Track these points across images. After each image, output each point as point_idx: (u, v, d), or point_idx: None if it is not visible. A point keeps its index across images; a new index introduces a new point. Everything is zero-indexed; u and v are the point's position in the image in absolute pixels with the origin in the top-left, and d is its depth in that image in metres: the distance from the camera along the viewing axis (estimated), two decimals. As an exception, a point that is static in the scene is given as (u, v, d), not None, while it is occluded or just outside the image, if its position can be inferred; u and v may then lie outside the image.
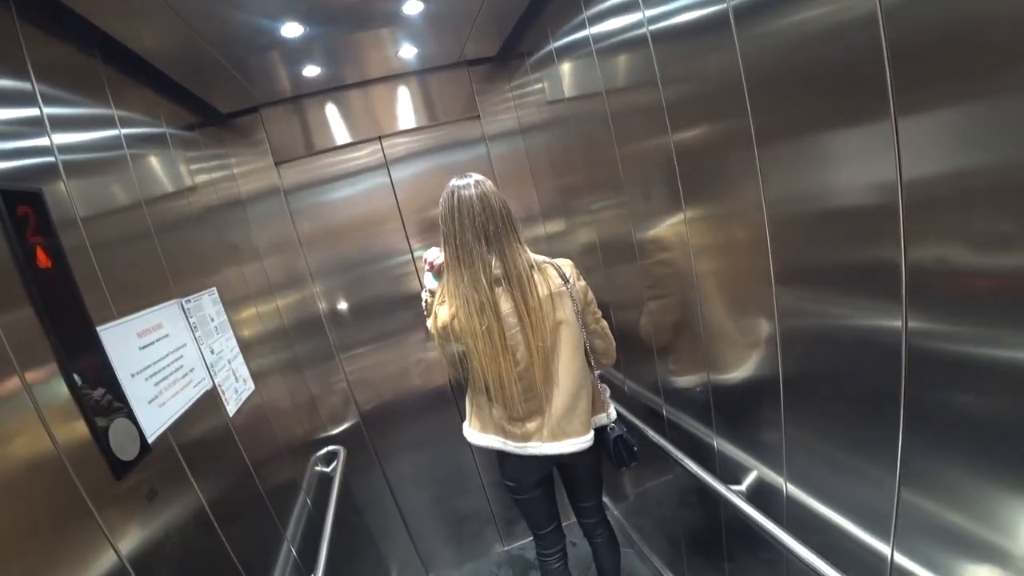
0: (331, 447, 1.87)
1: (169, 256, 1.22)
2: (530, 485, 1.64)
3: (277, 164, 1.87)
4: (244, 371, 1.44)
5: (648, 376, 1.87)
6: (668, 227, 1.46)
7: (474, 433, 1.58)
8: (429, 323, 1.50)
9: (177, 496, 1.00)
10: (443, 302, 1.45)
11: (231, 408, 1.29)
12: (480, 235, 1.36)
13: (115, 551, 0.78)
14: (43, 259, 0.84)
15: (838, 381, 1.07)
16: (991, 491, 0.82)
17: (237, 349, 1.44)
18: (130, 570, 0.79)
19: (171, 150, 1.41)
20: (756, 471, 1.41)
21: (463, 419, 1.63)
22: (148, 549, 0.86)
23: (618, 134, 1.54)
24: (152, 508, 0.91)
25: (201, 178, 1.56)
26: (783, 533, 1.25)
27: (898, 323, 0.85)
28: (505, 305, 1.40)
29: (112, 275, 0.98)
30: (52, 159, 0.92)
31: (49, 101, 0.95)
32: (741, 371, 1.37)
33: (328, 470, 1.78)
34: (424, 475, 2.27)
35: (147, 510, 0.90)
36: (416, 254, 2.06)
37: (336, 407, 2.03)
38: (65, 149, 0.95)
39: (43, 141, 0.91)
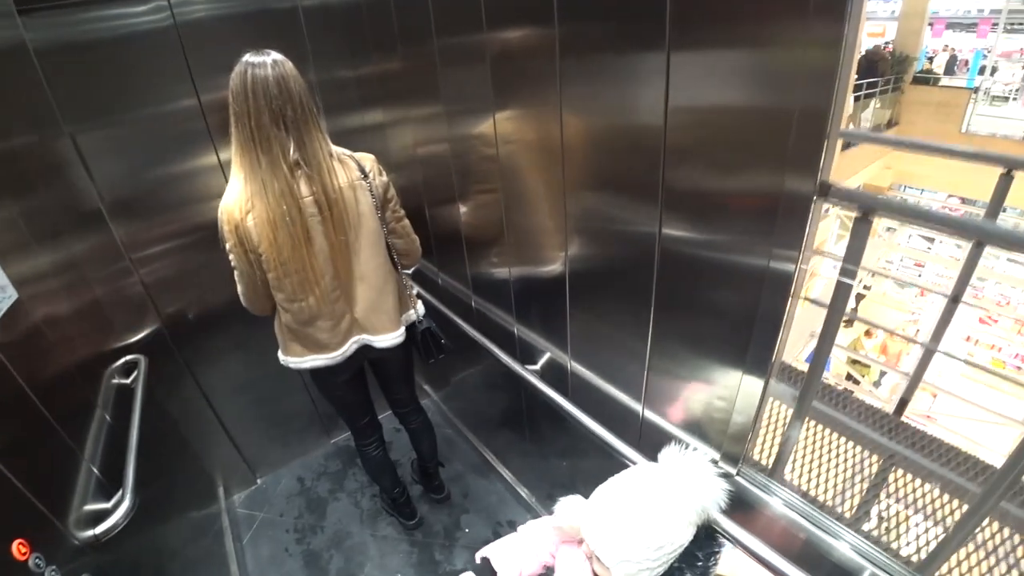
0: (129, 357, 1.68)
1: None
2: (342, 382, 1.69)
3: (20, 13, 1.42)
4: (1, 277, 1.19)
5: (460, 270, 2.00)
6: (480, 126, 1.51)
7: (292, 359, 1.56)
8: (221, 221, 1.34)
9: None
10: (235, 192, 1.31)
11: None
12: (277, 119, 1.25)
13: None
14: None
15: (610, 276, 1.30)
16: (703, 361, 1.12)
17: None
18: None
19: None
20: (548, 352, 1.66)
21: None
22: None
23: (437, 25, 1.50)
24: None
25: None
26: (568, 403, 1.54)
27: (654, 229, 1.05)
28: (305, 192, 1.33)
29: None
30: None
31: None
32: (537, 265, 1.56)
33: (128, 382, 1.62)
34: (242, 379, 2.18)
35: None
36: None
37: (131, 313, 1.80)
38: None
39: None
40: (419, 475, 2.32)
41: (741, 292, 0.95)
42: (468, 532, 2.18)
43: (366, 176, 1.44)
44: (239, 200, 1.31)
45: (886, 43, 9.23)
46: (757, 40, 0.77)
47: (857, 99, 6.93)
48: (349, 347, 1.56)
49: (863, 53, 7.48)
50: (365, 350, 1.61)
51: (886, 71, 7.71)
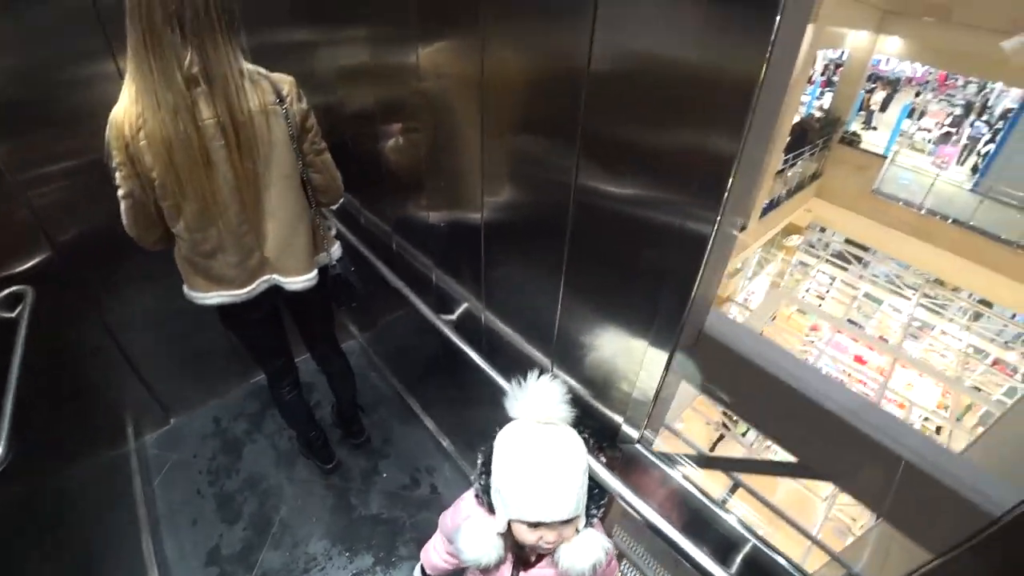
0: (13, 288, 1.54)
1: None
2: (252, 321, 1.61)
3: None
4: None
5: (382, 210, 1.93)
6: (405, 55, 1.41)
7: (196, 293, 1.46)
8: (108, 136, 1.20)
9: None
10: (125, 104, 1.17)
11: None
12: (171, 19, 1.09)
13: None
14: None
15: (525, 226, 1.28)
16: (610, 324, 1.12)
17: None
18: None
19: None
20: (465, 303, 1.65)
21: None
22: None
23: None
24: None
25: None
26: (478, 357, 1.54)
27: (570, 178, 1.02)
28: (206, 111, 1.20)
29: None
30: None
31: None
32: (458, 210, 1.51)
33: (12, 315, 1.49)
34: (152, 313, 2.04)
35: None
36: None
37: (16, 240, 1.64)
38: None
39: None
40: (338, 419, 2.30)
41: (654, 254, 0.93)
42: (386, 477, 2.21)
43: (282, 101, 1.30)
44: (130, 113, 1.16)
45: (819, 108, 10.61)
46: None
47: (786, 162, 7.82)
48: (258, 285, 1.47)
49: (796, 120, 8.46)
50: (276, 291, 1.52)
51: (814, 138, 8.57)
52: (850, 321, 8.56)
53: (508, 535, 1.03)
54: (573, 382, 1.31)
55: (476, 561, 1.04)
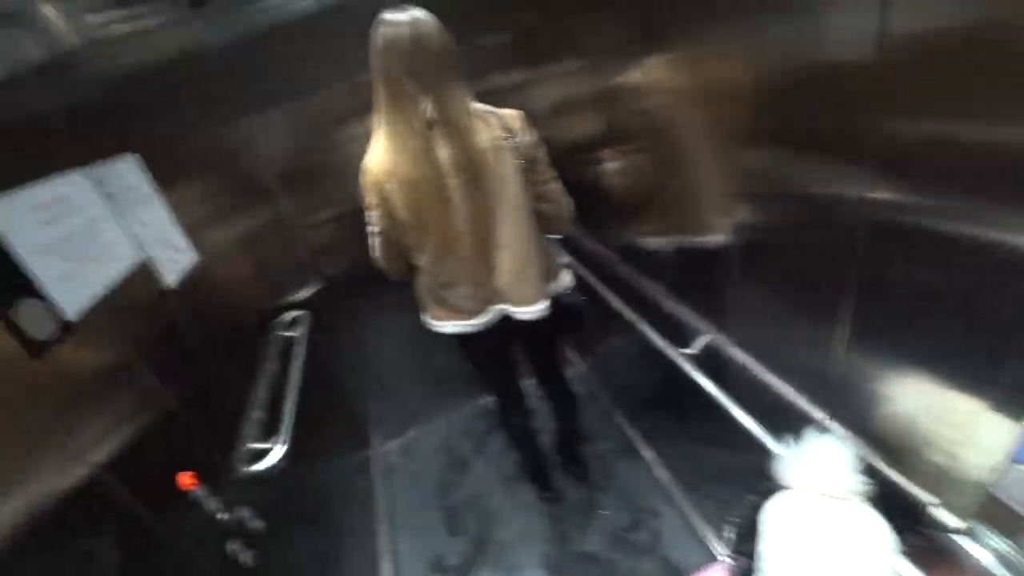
0: (296, 312, 1.88)
1: (77, 124, 1.10)
2: (484, 349, 1.66)
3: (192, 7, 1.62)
4: (181, 241, 1.38)
5: (606, 236, 1.84)
6: (627, 76, 1.33)
7: (434, 322, 1.57)
8: (363, 183, 1.36)
9: (124, 367, 1.00)
10: (375, 152, 1.32)
11: (171, 280, 1.26)
12: (411, 76, 1.21)
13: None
14: None
15: (790, 251, 1.04)
16: (924, 373, 0.82)
17: (172, 219, 1.37)
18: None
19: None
20: (705, 334, 1.44)
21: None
22: (93, 432, 0.88)
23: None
24: (91, 388, 0.92)
25: (106, 32, 1.37)
26: (722, 393, 1.31)
27: (859, 192, 0.79)
28: (442, 152, 1.28)
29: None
30: None
31: None
32: (696, 234, 1.34)
33: (295, 335, 1.82)
34: (397, 334, 2.31)
35: (84, 388, 0.91)
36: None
37: (297, 275, 2.02)
38: None
39: None
40: (559, 447, 2.27)
41: (996, 286, 0.67)
42: (605, 514, 2.08)
43: (511, 135, 1.34)
44: (379, 160, 1.31)
45: None
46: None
47: None
48: (490, 315, 1.53)
49: None
50: (508, 320, 1.56)
51: None
52: None
53: None
54: (857, 442, 1.02)
55: None
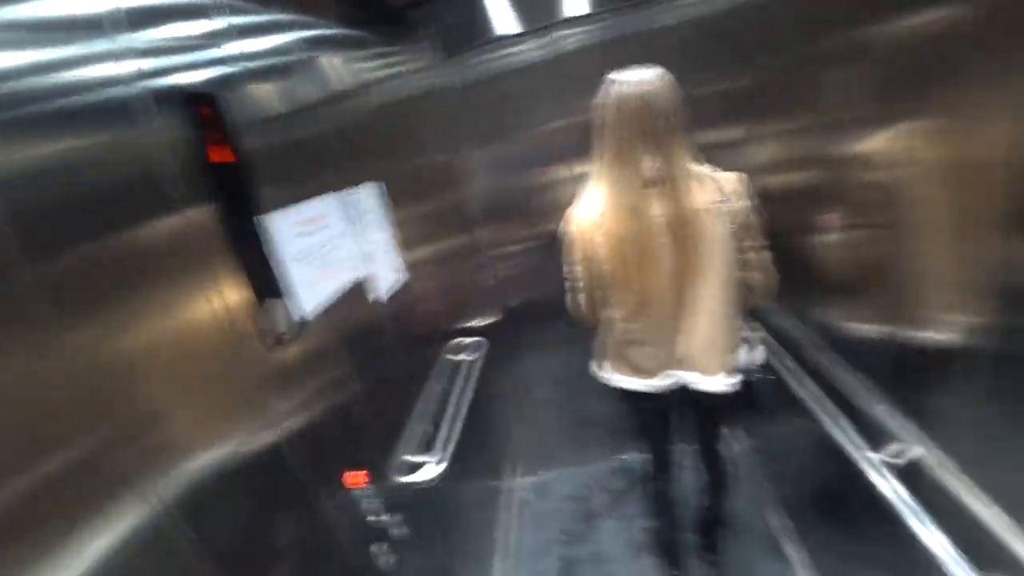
0: (476, 338, 2.00)
1: (334, 152, 1.31)
2: (650, 409, 1.61)
3: (448, 56, 1.85)
4: (398, 262, 1.56)
5: (807, 314, 1.66)
6: (859, 143, 1.19)
7: (605, 374, 1.57)
8: (571, 231, 1.40)
9: (328, 367, 1.15)
10: (588, 205, 1.35)
11: (383, 295, 1.43)
12: (639, 133, 1.23)
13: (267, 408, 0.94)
14: (224, 155, 0.95)
15: None
16: None
17: (393, 241, 1.56)
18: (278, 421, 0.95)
19: (342, 50, 1.45)
20: (915, 445, 1.20)
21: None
22: (296, 408, 1.02)
23: (798, 23, 1.28)
24: (305, 377, 1.07)
25: (372, 75, 1.61)
26: (923, 525, 1.08)
27: None
28: (656, 209, 1.28)
29: (281, 171, 1.09)
30: (235, 66, 0.99)
31: (236, 11, 1.01)
32: (919, 327, 1.14)
33: (471, 359, 1.92)
34: (558, 374, 2.35)
35: (302, 378, 1.05)
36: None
37: (484, 301, 2.15)
38: (247, 57, 1.02)
39: (229, 49, 0.98)
40: (697, 526, 2.09)
41: None
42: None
43: (727, 198, 1.31)
44: (591, 213, 1.35)
45: None
46: None
47: None
48: (671, 379, 1.48)
49: None
50: (685, 389, 1.50)
51: None
52: None
53: None
54: None
55: None
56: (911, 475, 1.22)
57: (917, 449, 1.21)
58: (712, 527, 2.01)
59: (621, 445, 2.58)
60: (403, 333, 1.55)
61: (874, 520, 1.43)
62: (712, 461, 1.84)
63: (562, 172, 2.01)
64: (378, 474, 1.28)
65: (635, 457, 2.47)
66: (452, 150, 1.93)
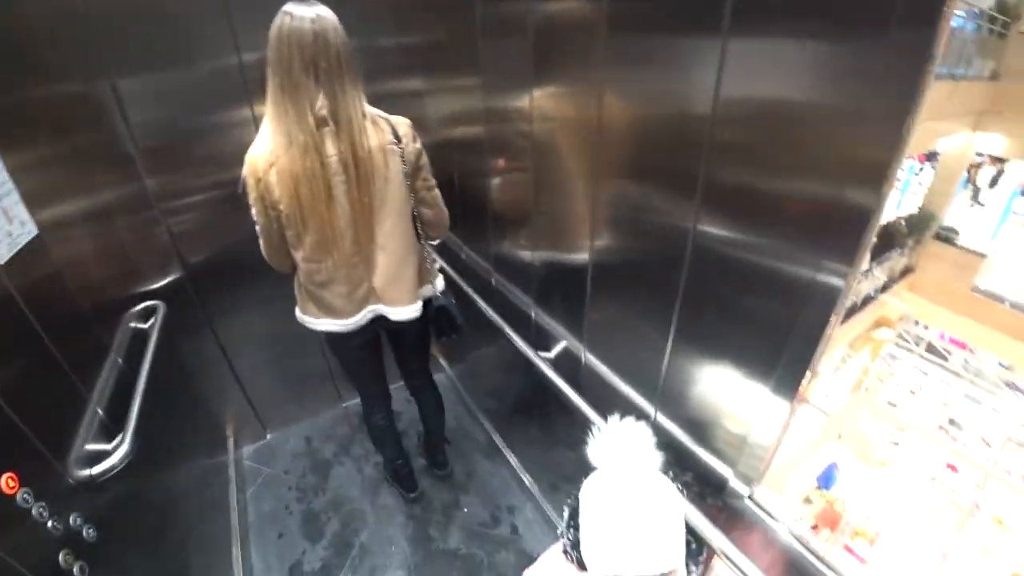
0: (149, 303, 1.70)
1: None
2: (354, 348, 1.67)
3: None
4: (21, 212, 1.21)
5: (483, 246, 1.97)
6: (516, 101, 1.46)
7: (307, 318, 1.56)
8: (245, 173, 1.31)
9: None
10: (261, 144, 1.29)
11: (2, 254, 1.10)
12: (309, 70, 1.21)
13: None
14: None
15: (636, 269, 1.25)
16: (726, 370, 1.04)
17: (9, 186, 1.19)
18: None
19: None
20: (564, 341, 1.62)
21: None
22: None
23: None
24: None
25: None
26: (577, 396, 1.49)
27: (689, 224, 0.99)
28: (331, 148, 1.29)
29: None
30: None
31: None
32: (562, 251, 1.51)
33: (145, 327, 1.65)
34: (261, 334, 2.20)
35: None
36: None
37: (156, 261, 1.83)
38: None
39: None
40: (424, 449, 2.32)
41: (779, 302, 0.89)
42: (466, 512, 2.17)
43: (399, 141, 1.38)
44: (264, 152, 1.28)
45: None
46: (828, 35, 0.69)
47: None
48: (363, 316, 1.54)
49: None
50: (380, 320, 1.58)
51: (902, 242, 7.08)
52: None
53: None
54: (679, 429, 1.24)
55: None
56: (561, 361, 1.64)
57: (564, 343, 1.62)
58: (435, 447, 2.25)
59: (342, 391, 2.62)
60: (50, 305, 1.23)
61: (554, 410, 1.86)
62: (422, 388, 2.03)
63: (239, 113, 1.82)
64: (50, 471, 1.04)
65: (357, 399, 2.56)
66: (94, 77, 1.53)
